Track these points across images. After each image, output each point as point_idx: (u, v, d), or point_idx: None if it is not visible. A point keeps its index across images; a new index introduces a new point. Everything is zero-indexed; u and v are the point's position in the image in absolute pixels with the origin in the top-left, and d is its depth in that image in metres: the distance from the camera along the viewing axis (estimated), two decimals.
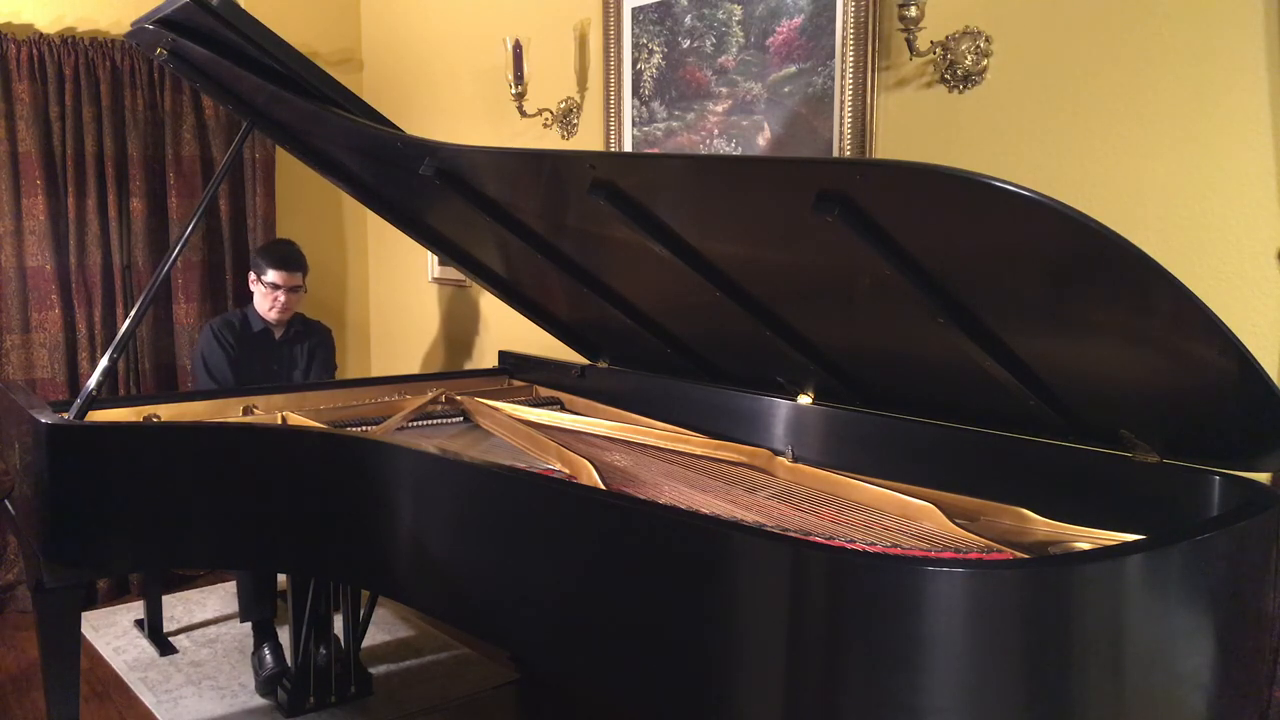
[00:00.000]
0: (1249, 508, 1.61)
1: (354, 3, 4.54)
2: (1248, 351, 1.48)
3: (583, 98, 3.41)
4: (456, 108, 4.01)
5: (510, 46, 3.33)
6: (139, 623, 3.68)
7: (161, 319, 4.08)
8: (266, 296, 3.39)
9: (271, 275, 3.36)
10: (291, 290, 3.39)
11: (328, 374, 3.58)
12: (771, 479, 2.30)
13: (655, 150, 3.14)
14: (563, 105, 3.45)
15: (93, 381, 2.49)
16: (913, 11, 2.27)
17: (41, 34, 3.71)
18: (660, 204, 2.03)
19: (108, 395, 3.22)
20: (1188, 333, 1.53)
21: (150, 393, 3.96)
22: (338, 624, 3.09)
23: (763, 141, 2.85)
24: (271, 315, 3.41)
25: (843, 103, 2.60)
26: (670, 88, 3.10)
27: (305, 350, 3.54)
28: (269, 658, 3.15)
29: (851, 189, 1.60)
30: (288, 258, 3.41)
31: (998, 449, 2.04)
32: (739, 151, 2.91)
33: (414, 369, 4.39)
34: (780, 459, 2.35)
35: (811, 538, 1.73)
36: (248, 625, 3.32)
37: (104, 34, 3.84)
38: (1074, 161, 2.21)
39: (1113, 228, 1.38)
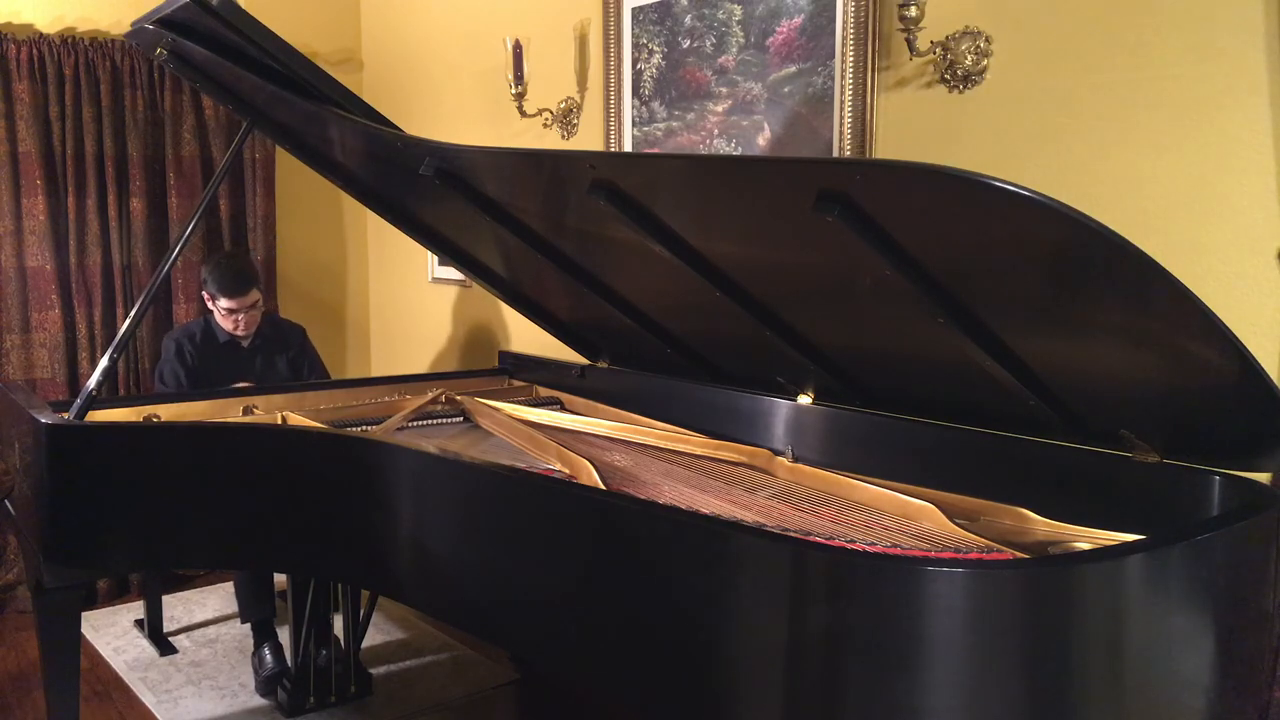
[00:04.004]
0: (1249, 508, 1.61)
1: (354, 3, 4.54)
2: (1248, 351, 1.48)
3: (583, 98, 3.41)
4: (456, 108, 4.01)
5: (510, 46, 3.33)
6: (139, 623, 3.68)
7: (161, 319, 4.07)
8: (226, 320, 3.27)
9: (225, 303, 3.23)
10: (251, 309, 3.27)
11: (322, 375, 3.54)
12: (771, 479, 2.30)
13: (655, 150, 3.14)
14: (563, 105, 3.45)
15: (93, 381, 2.49)
16: (913, 11, 2.27)
17: (41, 34, 3.71)
18: (660, 204, 2.03)
19: (108, 395, 3.22)
20: (1188, 333, 1.53)
21: (150, 393, 3.95)
22: (338, 624, 3.09)
23: (763, 141, 2.84)
24: (238, 333, 3.31)
25: (843, 103, 2.59)
26: (670, 88, 3.10)
27: (286, 361, 3.44)
28: (269, 658, 3.15)
29: (851, 189, 1.60)
30: (238, 281, 3.23)
31: (998, 449, 2.04)
32: (739, 151, 2.91)
33: (414, 369, 4.38)
34: (780, 459, 2.35)
35: (812, 538, 1.73)
36: (248, 625, 3.32)
37: (104, 34, 3.84)
38: (1074, 161, 2.21)
39: (1113, 228, 1.38)
